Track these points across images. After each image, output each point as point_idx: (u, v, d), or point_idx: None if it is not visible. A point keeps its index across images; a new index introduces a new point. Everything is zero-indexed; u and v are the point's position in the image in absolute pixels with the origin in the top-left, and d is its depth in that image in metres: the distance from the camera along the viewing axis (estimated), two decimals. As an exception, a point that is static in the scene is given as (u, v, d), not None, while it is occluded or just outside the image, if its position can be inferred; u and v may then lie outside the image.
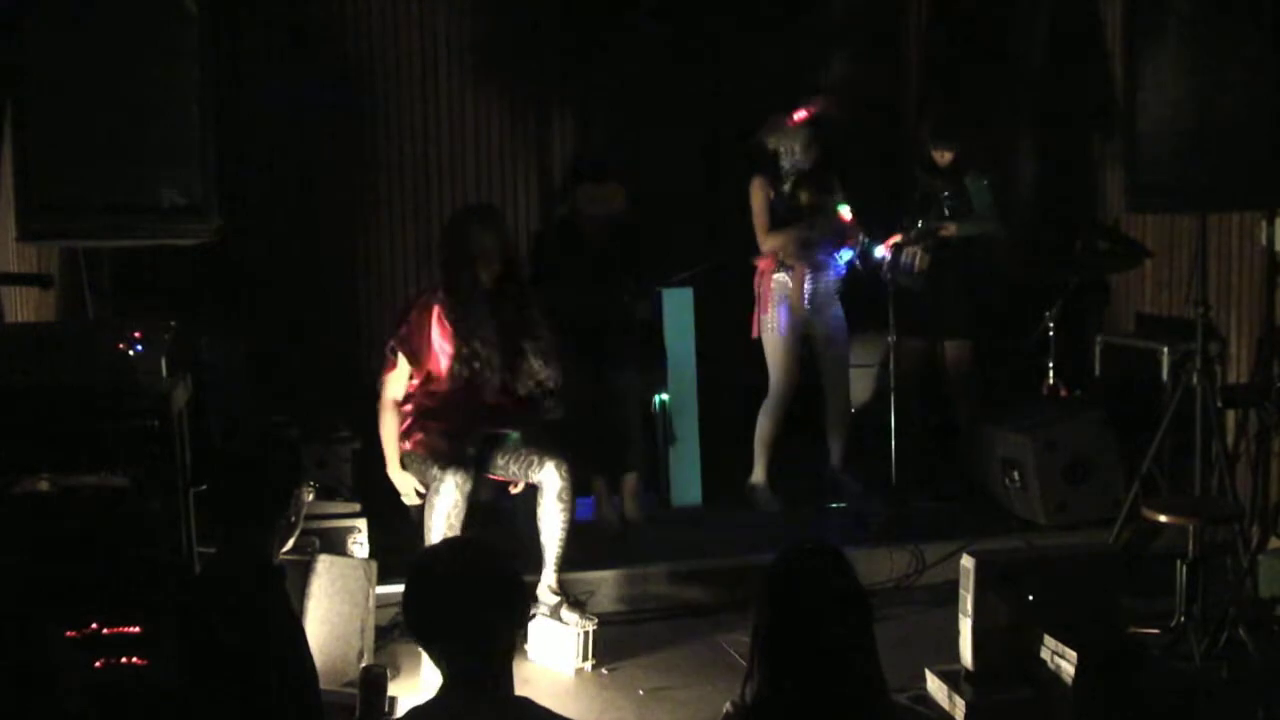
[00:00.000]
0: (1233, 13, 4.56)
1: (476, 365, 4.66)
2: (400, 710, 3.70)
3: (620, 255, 5.66)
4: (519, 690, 2.64)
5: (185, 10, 3.96)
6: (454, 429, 4.66)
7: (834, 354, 5.95)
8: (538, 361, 4.73)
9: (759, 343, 5.88)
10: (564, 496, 4.58)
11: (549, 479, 4.57)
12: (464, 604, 2.49)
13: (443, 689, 2.52)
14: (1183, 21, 4.68)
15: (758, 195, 5.81)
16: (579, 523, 4.77)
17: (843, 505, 5.83)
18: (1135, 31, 4.94)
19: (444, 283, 4.69)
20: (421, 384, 4.71)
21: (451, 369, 4.65)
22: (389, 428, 4.73)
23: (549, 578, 4.62)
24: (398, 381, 4.72)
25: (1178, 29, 4.70)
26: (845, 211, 5.75)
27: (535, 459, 4.62)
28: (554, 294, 5.52)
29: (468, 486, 4.50)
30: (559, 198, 6.29)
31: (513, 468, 4.68)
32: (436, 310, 4.66)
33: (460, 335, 4.64)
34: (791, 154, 5.77)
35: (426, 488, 4.57)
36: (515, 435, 4.76)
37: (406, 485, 4.71)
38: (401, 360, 4.69)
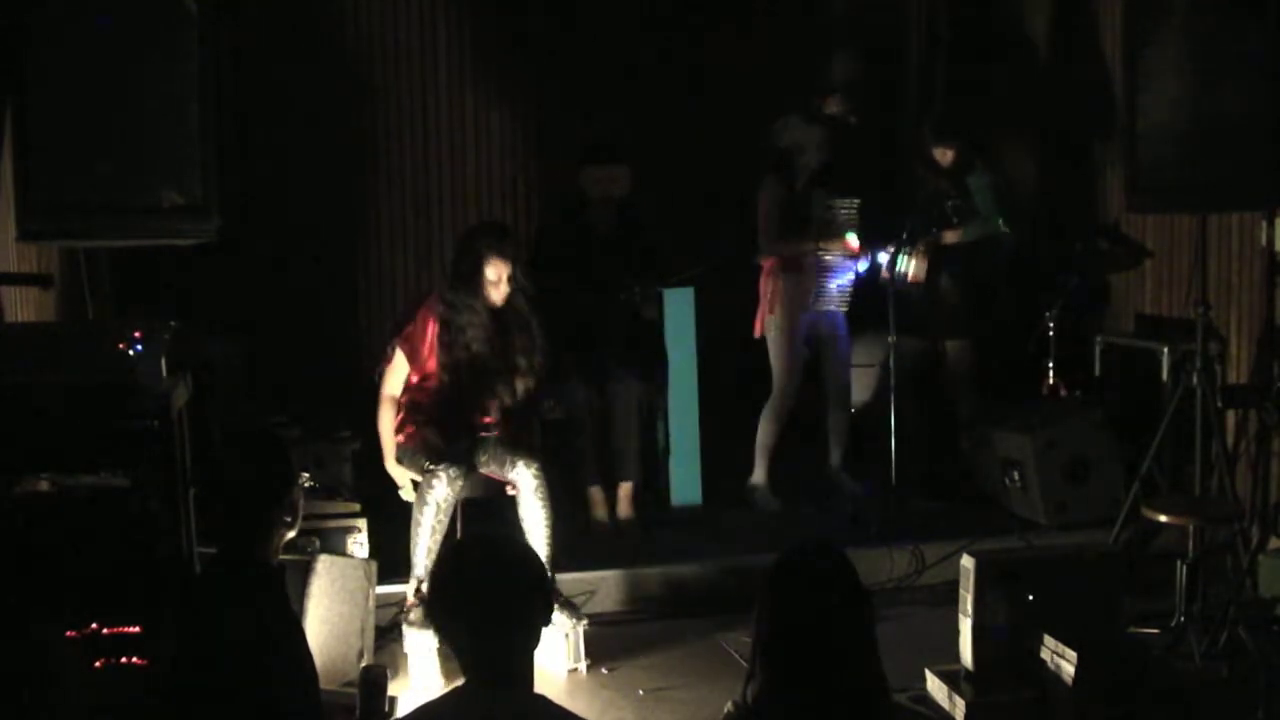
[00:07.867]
0: (1232, 13, 4.56)
1: (464, 377, 4.69)
2: (400, 710, 3.70)
3: (625, 245, 5.62)
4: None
5: (185, 10, 3.95)
6: (445, 426, 4.69)
7: (836, 354, 5.94)
8: (527, 380, 4.77)
9: (761, 342, 5.87)
10: (540, 494, 4.58)
11: (522, 478, 4.60)
12: (494, 596, 2.47)
13: (462, 684, 2.51)
14: (1183, 21, 4.68)
15: (768, 196, 5.76)
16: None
17: (843, 505, 5.82)
18: (1135, 31, 4.94)
19: (449, 298, 4.73)
20: (419, 381, 4.76)
21: (441, 377, 4.71)
22: (386, 422, 4.78)
23: None
24: (396, 377, 4.78)
25: (1178, 29, 4.70)
26: (853, 240, 5.67)
27: (509, 458, 4.65)
28: (556, 285, 5.49)
29: (460, 482, 4.53)
30: (562, 193, 6.25)
31: (493, 465, 4.71)
32: (434, 318, 4.72)
33: (452, 349, 4.69)
34: (805, 153, 5.74)
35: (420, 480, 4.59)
36: (494, 435, 4.76)
37: (403, 478, 4.75)
38: (400, 356, 4.75)
